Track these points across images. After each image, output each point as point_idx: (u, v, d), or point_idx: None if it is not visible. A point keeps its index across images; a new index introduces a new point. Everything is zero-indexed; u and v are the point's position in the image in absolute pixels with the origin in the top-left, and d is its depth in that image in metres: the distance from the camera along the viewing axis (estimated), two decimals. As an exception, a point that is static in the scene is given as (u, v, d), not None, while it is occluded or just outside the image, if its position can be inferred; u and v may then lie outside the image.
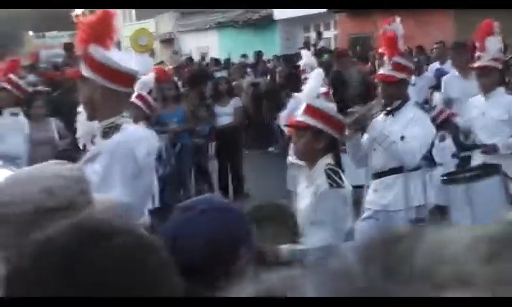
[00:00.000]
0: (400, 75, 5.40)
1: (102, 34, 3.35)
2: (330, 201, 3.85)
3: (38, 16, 55.25)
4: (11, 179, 1.76)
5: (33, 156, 7.07)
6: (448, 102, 7.76)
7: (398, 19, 6.84)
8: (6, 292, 1.16)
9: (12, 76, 7.32)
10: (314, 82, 4.31)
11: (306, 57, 8.46)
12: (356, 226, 5.48)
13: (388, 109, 5.40)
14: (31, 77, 12.24)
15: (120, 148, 3.24)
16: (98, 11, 3.45)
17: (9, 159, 6.52)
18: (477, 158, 6.00)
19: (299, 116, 4.16)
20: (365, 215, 5.39)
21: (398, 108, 5.36)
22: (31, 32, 37.49)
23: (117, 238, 1.12)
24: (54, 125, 8.30)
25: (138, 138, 3.33)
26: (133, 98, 7.40)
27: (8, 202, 1.66)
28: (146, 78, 7.80)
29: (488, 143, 5.86)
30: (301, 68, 8.34)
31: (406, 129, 5.17)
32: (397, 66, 5.42)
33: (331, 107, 4.29)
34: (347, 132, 5.17)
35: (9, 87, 7.07)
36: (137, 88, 7.69)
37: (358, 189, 6.95)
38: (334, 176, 3.86)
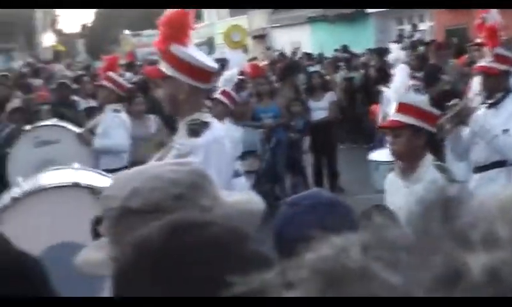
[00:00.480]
0: (502, 67, 5.21)
1: (181, 32, 3.39)
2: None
3: (134, 15, 56.63)
4: (121, 175, 1.82)
5: (133, 152, 7.27)
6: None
7: (495, 9, 6.68)
8: (114, 291, 1.18)
9: (111, 74, 7.49)
10: (400, 78, 4.19)
11: (395, 52, 8.37)
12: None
13: (490, 101, 5.26)
14: (129, 75, 12.56)
15: (214, 144, 3.28)
16: (176, 10, 3.49)
17: (115, 154, 6.74)
18: None
19: (393, 115, 4.04)
20: None
21: (500, 100, 5.20)
22: (127, 31, 38.48)
23: (211, 227, 1.12)
24: (153, 122, 8.45)
25: (226, 134, 3.43)
26: (217, 94, 7.52)
27: (108, 196, 1.71)
28: (230, 74, 7.88)
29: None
30: (391, 62, 8.27)
31: (509, 122, 5.01)
32: (498, 58, 5.25)
33: (423, 100, 4.15)
34: (448, 126, 5.07)
35: (109, 85, 7.24)
36: (222, 84, 7.82)
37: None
38: (448, 171, 3.79)
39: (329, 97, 10.59)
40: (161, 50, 3.49)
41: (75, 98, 9.76)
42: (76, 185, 3.21)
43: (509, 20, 6.70)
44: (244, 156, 8.15)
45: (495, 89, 5.26)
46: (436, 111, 4.12)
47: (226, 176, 3.29)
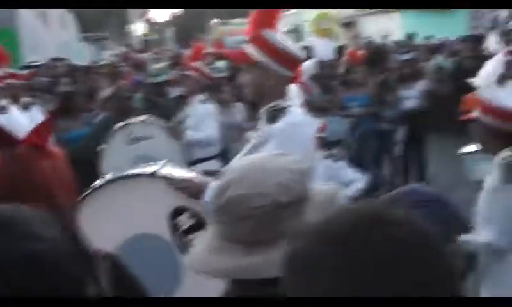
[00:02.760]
0: None
1: (272, 17, 3.39)
2: (501, 199, 3.62)
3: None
4: (241, 171, 1.75)
5: (222, 140, 7.31)
6: None
7: None
8: (285, 276, 1.15)
9: (197, 63, 7.51)
10: (491, 71, 3.96)
11: (491, 43, 8.09)
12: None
13: None
14: (220, 63, 12.65)
15: (289, 130, 3.25)
16: None
17: (206, 145, 6.80)
18: None
19: (475, 111, 3.93)
20: None
21: None
22: (215, 20, 39.00)
23: (403, 226, 1.09)
24: (240, 110, 8.52)
25: (304, 121, 3.39)
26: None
27: (245, 195, 1.66)
28: (308, 65, 7.78)
29: None
30: (485, 52, 8.00)
31: None
32: None
33: (505, 97, 3.91)
34: None
35: (195, 74, 7.27)
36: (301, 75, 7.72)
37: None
38: (509, 171, 3.62)
39: (421, 86, 10.53)
40: (253, 34, 3.45)
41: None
42: (152, 175, 3.21)
43: None
44: (330, 145, 8.08)
45: None
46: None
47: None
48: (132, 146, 5.95)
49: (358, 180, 5.40)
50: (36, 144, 2.17)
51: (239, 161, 1.90)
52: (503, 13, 21.28)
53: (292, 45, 3.45)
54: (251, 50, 3.40)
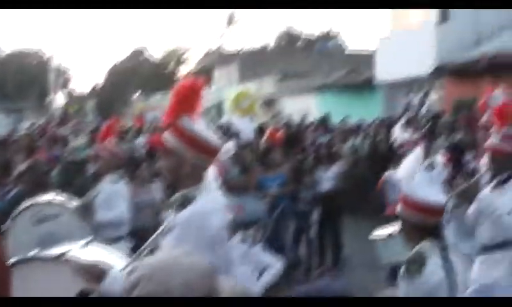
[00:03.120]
0: (510, 147, 5.20)
1: (192, 105, 3.34)
2: (402, 288, 3.78)
3: (146, 76, 57.21)
4: (150, 269, 1.79)
5: (137, 219, 7.19)
6: None
7: (501, 88, 6.70)
8: None
9: (107, 143, 7.23)
10: (413, 163, 4.08)
11: (396, 129, 8.39)
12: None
13: (496, 180, 5.21)
14: (140, 139, 12.54)
15: (192, 220, 3.22)
16: (187, 81, 3.44)
17: (114, 226, 6.64)
18: None
19: (398, 204, 4.02)
20: (470, 290, 5.15)
21: (507, 180, 5.15)
22: (137, 94, 38.99)
23: None
24: (159, 188, 8.42)
25: (211, 210, 3.30)
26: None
27: (153, 292, 1.71)
28: (228, 146, 7.78)
29: None
30: (393, 138, 8.28)
31: None
32: (507, 137, 5.23)
33: (428, 193, 3.94)
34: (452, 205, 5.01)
35: (104, 155, 7.05)
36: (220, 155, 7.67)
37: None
38: (411, 264, 3.76)
39: (337, 167, 10.58)
40: (170, 121, 3.42)
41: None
42: (57, 259, 3.16)
43: None
44: (247, 226, 8.05)
45: (502, 169, 5.21)
46: (442, 204, 3.99)
47: (209, 250, 3.16)
48: (38, 226, 5.72)
49: (273, 265, 5.39)
50: None
51: (150, 258, 1.94)
52: (415, 99, 22.14)
53: (209, 134, 3.42)
54: (167, 136, 3.38)
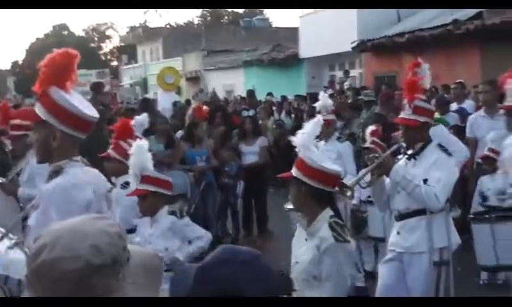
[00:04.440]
0: (421, 119, 5.30)
1: (63, 75, 3.15)
2: (336, 256, 3.75)
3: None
4: (54, 235, 1.67)
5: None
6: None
7: (424, 63, 6.88)
8: None
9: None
10: (309, 133, 4.06)
11: (323, 99, 8.49)
12: (380, 268, 5.48)
13: (410, 152, 5.38)
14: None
15: (56, 193, 3.10)
16: (61, 52, 3.19)
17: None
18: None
19: (293, 168, 4.00)
20: (388, 256, 5.34)
21: (420, 151, 5.29)
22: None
23: None
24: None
25: (78, 183, 3.16)
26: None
27: (59, 258, 1.60)
28: (141, 119, 7.68)
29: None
30: (317, 109, 8.39)
31: (429, 172, 5.09)
32: (417, 110, 5.33)
33: (323, 158, 3.99)
34: (370, 178, 5.17)
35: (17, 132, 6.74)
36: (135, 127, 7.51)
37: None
38: (339, 230, 3.76)
39: (261, 142, 10.62)
40: (38, 91, 3.20)
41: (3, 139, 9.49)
42: None
43: (439, 70, 6.95)
44: (175, 199, 8.09)
45: (414, 141, 5.36)
46: (334, 172, 4.01)
47: None
48: None
49: (202, 237, 5.44)
50: None
51: (54, 225, 1.79)
52: (339, 73, 22.47)
53: (81, 105, 3.20)
54: (37, 107, 3.20)
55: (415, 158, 5.29)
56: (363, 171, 5.22)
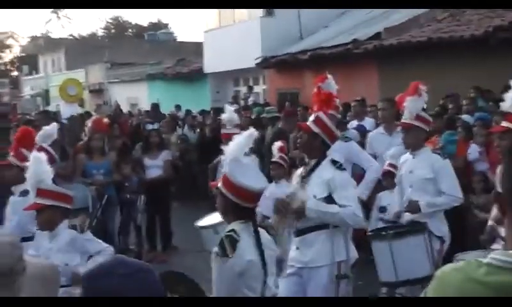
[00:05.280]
0: (315, 129, 5.33)
1: None
2: (216, 269, 3.79)
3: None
4: None
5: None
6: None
7: (330, 76, 6.97)
8: None
9: None
10: (241, 144, 4.11)
11: (229, 113, 8.53)
12: (280, 282, 5.47)
13: (308, 167, 5.38)
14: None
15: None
16: None
17: None
18: (407, 216, 6.02)
19: (219, 180, 4.06)
20: (288, 271, 5.28)
21: (314, 167, 5.30)
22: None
23: None
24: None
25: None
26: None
27: None
28: (50, 130, 7.57)
29: (413, 201, 5.86)
30: (222, 122, 8.41)
31: (335, 192, 5.09)
32: (317, 121, 5.36)
33: (246, 174, 3.99)
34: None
35: None
36: (40, 139, 7.34)
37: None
38: (225, 244, 3.75)
39: (165, 155, 10.53)
40: None
41: None
42: None
43: (339, 88, 7.03)
44: (75, 213, 7.88)
45: (310, 149, 5.40)
46: (250, 188, 3.98)
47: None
48: None
49: (103, 252, 5.30)
50: None
51: None
52: (243, 88, 22.60)
53: None
54: None
55: (310, 176, 5.30)
56: None
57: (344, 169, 5.37)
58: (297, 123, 5.66)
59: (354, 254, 5.36)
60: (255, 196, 3.98)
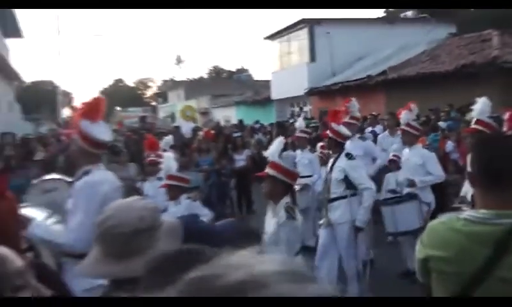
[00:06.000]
0: (331, 135, 5.35)
1: (91, 113, 3.10)
2: (287, 229, 3.59)
3: (124, 96, 55.20)
4: (116, 208, 1.71)
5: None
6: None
7: (354, 99, 6.90)
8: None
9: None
10: (276, 147, 4.00)
11: (299, 123, 8.56)
12: (319, 231, 5.43)
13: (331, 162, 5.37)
14: (119, 137, 12.19)
15: (84, 187, 2.99)
16: (91, 98, 3.17)
17: None
18: (406, 189, 5.90)
19: (267, 167, 3.86)
20: (323, 226, 5.27)
21: (335, 161, 5.27)
22: (118, 108, 37.84)
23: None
24: (132, 168, 8.20)
25: (99, 180, 3.03)
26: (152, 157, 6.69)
27: (117, 224, 1.63)
28: (168, 139, 7.70)
29: (410, 179, 5.74)
30: (296, 127, 8.44)
31: (349, 173, 5.09)
32: (332, 130, 5.34)
33: (287, 162, 3.99)
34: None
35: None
36: (162, 145, 7.32)
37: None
38: (290, 212, 3.60)
39: (247, 152, 10.61)
40: (74, 124, 3.22)
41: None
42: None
43: (363, 105, 7.03)
44: (191, 190, 8.02)
45: (332, 148, 5.39)
46: (295, 170, 3.98)
47: (94, 214, 2.89)
48: (44, 195, 5.43)
49: (207, 215, 5.39)
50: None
51: (116, 202, 1.82)
52: (296, 109, 22.46)
53: (99, 133, 3.11)
54: (73, 133, 3.24)
55: (333, 164, 5.26)
56: None
57: (354, 158, 5.25)
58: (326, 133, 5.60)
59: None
60: (295, 175, 3.88)
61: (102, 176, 3.07)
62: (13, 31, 21.68)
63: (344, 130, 5.39)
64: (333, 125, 5.38)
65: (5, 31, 20.37)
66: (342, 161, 5.16)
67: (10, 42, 22.32)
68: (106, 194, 2.94)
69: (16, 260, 1.08)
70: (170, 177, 5.15)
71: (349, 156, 5.21)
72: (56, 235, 2.91)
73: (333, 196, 5.18)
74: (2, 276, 0.99)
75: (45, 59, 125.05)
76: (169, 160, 5.28)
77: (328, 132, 5.44)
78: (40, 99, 48.89)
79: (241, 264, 0.45)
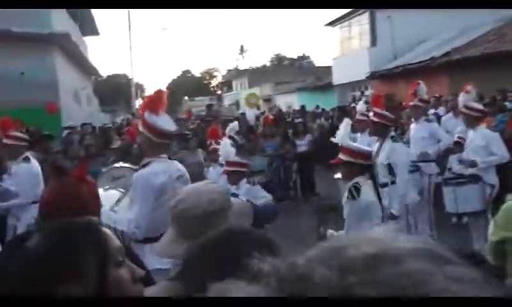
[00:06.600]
0: (376, 119, 5.35)
1: (155, 105, 3.14)
2: (348, 207, 3.66)
3: (191, 87, 56.38)
4: (187, 192, 1.73)
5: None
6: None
7: (421, 82, 6.71)
8: (181, 271, 1.15)
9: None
10: (344, 130, 3.98)
11: (360, 106, 8.47)
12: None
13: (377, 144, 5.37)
14: (186, 125, 12.42)
15: (140, 179, 3.05)
16: (154, 91, 3.21)
17: None
18: (469, 170, 5.77)
19: (340, 153, 3.87)
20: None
21: (383, 142, 5.30)
22: (186, 97, 38.72)
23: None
24: (201, 153, 8.32)
25: (155, 172, 3.04)
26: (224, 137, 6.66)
27: (189, 207, 1.65)
28: (233, 125, 7.72)
29: (472, 160, 5.55)
30: (356, 110, 8.36)
31: (391, 157, 5.12)
32: (375, 114, 5.38)
33: (358, 144, 3.99)
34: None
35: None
36: (227, 131, 7.34)
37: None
38: (353, 192, 3.61)
39: (309, 137, 10.58)
40: (140, 114, 3.29)
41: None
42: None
43: (427, 87, 6.84)
44: (257, 173, 8.19)
45: (378, 133, 5.39)
46: (367, 151, 3.93)
47: (150, 204, 2.95)
48: (113, 182, 5.36)
49: (266, 197, 5.45)
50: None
51: (188, 187, 1.85)
52: (357, 93, 22.04)
53: (164, 124, 3.14)
54: (139, 123, 3.26)
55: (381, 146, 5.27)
56: None
57: (397, 141, 5.27)
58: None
59: (415, 196, 5.42)
60: (367, 156, 3.87)
61: (159, 168, 3.09)
62: (90, 29, 22.85)
63: (387, 114, 5.35)
64: (376, 109, 5.33)
65: (83, 29, 21.48)
66: (387, 143, 5.16)
67: (88, 40, 23.49)
68: (163, 184, 3.00)
69: (115, 238, 1.10)
70: (229, 163, 5.14)
71: (393, 138, 5.18)
72: (118, 223, 2.97)
73: (382, 181, 5.09)
74: (108, 252, 1.02)
75: (119, 54, 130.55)
76: (226, 147, 5.25)
77: (372, 117, 5.38)
78: (116, 92, 51.17)
79: (375, 239, 0.44)
